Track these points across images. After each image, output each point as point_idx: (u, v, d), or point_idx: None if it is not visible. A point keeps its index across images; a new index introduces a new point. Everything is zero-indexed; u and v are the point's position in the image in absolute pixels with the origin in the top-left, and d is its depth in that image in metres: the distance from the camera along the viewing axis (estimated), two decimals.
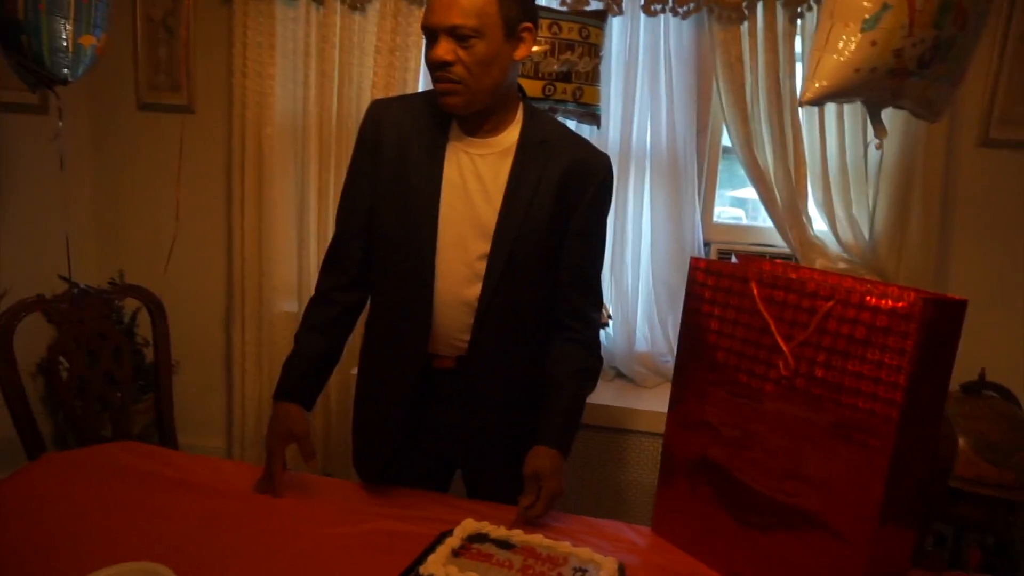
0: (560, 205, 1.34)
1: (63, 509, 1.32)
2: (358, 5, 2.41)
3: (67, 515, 1.30)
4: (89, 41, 2.05)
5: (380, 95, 2.38)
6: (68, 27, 2.03)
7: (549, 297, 1.41)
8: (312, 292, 1.50)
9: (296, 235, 2.62)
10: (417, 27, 2.35)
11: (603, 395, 2.28)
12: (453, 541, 1.19)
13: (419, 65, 2.41)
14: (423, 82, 2.43)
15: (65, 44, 2.01)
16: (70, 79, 2.03)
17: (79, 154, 2.57)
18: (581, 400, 1.42)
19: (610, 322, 2.39)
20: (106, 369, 1.87)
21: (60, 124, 2.14)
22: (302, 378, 1.44)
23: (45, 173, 2.42)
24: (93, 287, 1.88)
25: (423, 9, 2.30)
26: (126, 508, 1.33)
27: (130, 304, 2.09)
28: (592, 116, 2.31)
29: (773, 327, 1.15)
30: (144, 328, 2.39)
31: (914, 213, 2.21)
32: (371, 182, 1.39)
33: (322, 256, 1.51)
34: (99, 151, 2.68)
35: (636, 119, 2.36)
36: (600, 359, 1.49)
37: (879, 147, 2.06)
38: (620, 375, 2.51)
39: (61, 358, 1.79)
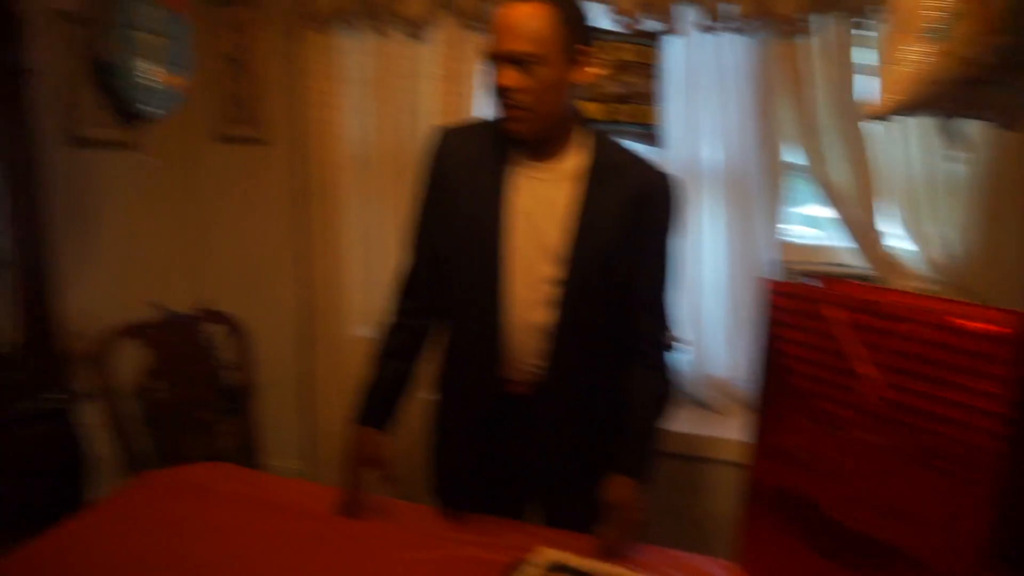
0: (630, 228, 1.35)
1: (157, 527, 1.38)
2: (418, 34, 2.47)
3: (161, 533, 1.36)
4: (173, 79, 2.17)
5: (441, 122, 2.41)
6: (154, 67, 2.15)
7: (621, 321, 1.41)
8: (383, 318, 1.53)
9: (365, 261, 2.68)
10: (474, 54, 2.39)
11: (678, 421, 2.22)
12: (535, 571, 1.19)
13: (478, 92, 2.44)
14: (483, 108, 2.46)
15: (151, 83, 2.14)
16: (157, 115, 2.15)
17: (164, 186, 2.70)
18: (655, 426, 1.41)
19: (680, 346, 2.35)
20: (193, 391, 1.96)
21: (148, 158, 2.26)
22: (379, 403, 1.47)
23: (133, 204, 2.55)
24: (181, 312, 1.97)
25: (481, 36, 2.38)
26: (215, 527, 1.39)
27: (212, 328, 2.18)
28: (652, 136, 2.31)
29: (855, 352, 1.12)
30: (224, 352, 2.48)
31: (1006, 227, 2.09)
32: (436, 208, 1.43)
33: (391, 281, 1.54)
34: (182, 182, 2.81)
35: (700, 138, 2.34)
36: (674, 383, 1.48)
37: (961, 160, 1.98)
38: (694, 401, 2.46)
39: (153, 380, 1.88)
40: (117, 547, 1.32)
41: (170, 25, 2.19)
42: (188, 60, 2.23)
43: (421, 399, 1.53)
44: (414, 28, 2.45)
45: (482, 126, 1.44)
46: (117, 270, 2.47)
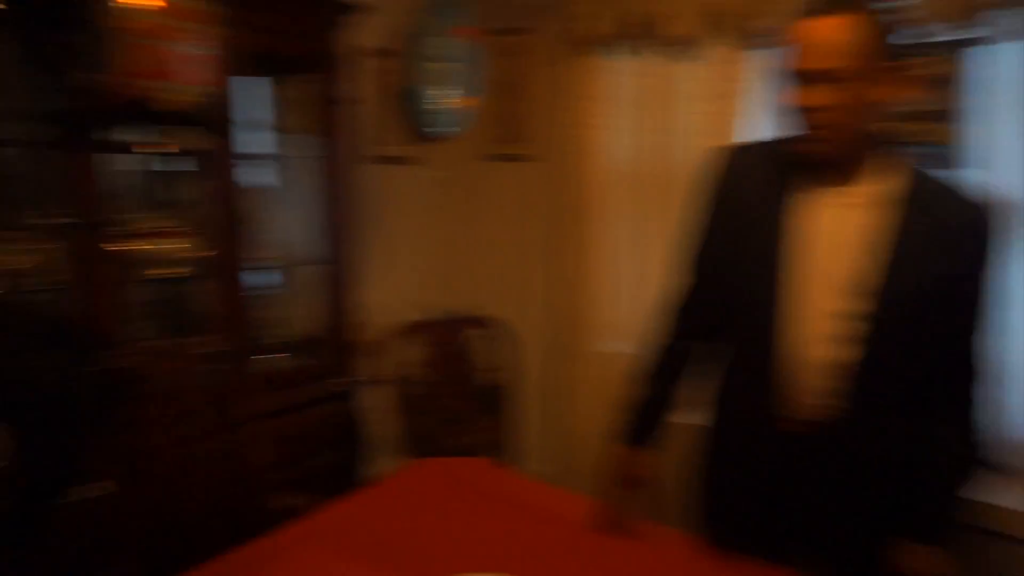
0: (945, 263, 1.21)
1: (423, 513, 1.52)
2: (685, 54, 2.45)
3: (426, 519, 1.49)
4: (465, 102, 2.40)
5: (708, 142, 2.37)
6: (447, 92, 2.39)
7: (926, 366, 1.26)
8: (642, 336, 1.52)
9: (620, 278, 2.71)
10: (744, 74, 2.32)
11: (988, 491, 1.87)
12: None
13: (744, 111, 2.36)
14: (747, 127, 2.36)
15: (443, 106, 2.37)
16: (449, 134, 2.39)
17: (444, 198, 2.97)
18: (958, 490, 1.24)
19: (994, 401, 2.00)
20: (456, 388, 2.13)
21: (435, 172, 2.51)
22: (642, 422, 1.46)
23: (418, 215, 2.84)
24: (451, 314, 2.16)
25: (755, 54, 2.30)
26: (475, 520, 1.49)
27: (476, 332, 2.34)
28: (954, 160, 2.05)
29: None
30: (485, 354, 2.65)
31: None
32: (718, 229, 1.39)
33: (645, 300, 1.53)
34: (459, 196, 3.05)
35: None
36: (984, 445, 1.29)
37: None
38: (1011, 469, 2.08)
39: (423, 374, 2.08)
40: (387, 526, 1.46)
41: (465, 53, 2.42)
42: (480, 84, 2.45)
43: (689, 423, 1.50)
44: (679, 48, 2.44)
45: (769, 145, 1.37)
46: (400, 272, 2.76)
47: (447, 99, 2.41)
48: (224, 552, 1.36)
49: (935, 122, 2.06)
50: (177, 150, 1.82)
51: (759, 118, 2.33)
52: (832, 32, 1.17)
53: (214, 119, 1.81)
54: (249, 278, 2.01)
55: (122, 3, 1.48)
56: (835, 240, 1.25)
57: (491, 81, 2.81)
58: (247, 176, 1.99)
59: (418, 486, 1.63)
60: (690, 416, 1.50)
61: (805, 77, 1.20)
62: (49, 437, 1.02)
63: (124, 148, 1.74)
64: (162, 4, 1.52)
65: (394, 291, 2.65)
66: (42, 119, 1.62)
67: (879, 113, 1.25)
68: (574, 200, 2.74)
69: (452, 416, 2.23)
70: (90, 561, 1.57)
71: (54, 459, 1.05)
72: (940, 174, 1.31)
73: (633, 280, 2.65)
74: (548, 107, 2.83)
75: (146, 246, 1.86)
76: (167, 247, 1.89)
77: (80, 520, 1.52)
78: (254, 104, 2.11)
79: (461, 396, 2.25)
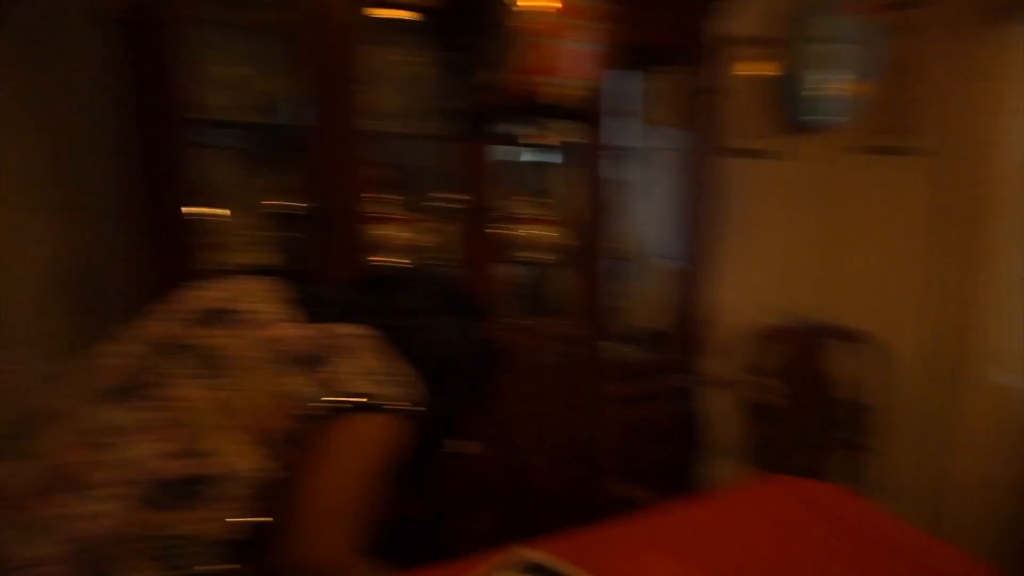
0: None
1: (775, 533, 1.39)
2: None
3: (778, 541, 1.37)
4: (853, 88, 2.16)
5: None
6: (831, 77, 2.17)
7: None
8: None
9: None
10: None
11: None
12: None
13: None
14: None
15: (824, 93, 2.16)
16: (831, 124, 2.18)
17: (809, 195, 2.73)
18: None
19: None
20: (808, 402, 1.94)
21: (802, 167, 2.31)
22: None
23: (776, 212, 2.66)
24: (811, 322, 1.97)
25: None
26: (834, 554, 1.32)
27: (836, 343, 2.12)
28: None
29: None
30: (844, 370, 2.38)
31: None
32: None
33: None
34: (826, 192, 2.79)
35: None
36: None
37: None
38: None
39: (773, 382, 1.93)
40: (734, 541, 1.37)
41: (857, 32, 2.18)
42: (874, 67, 2.19)
43: None
44: None
45: None
46: (757, 272, 2.62)
47: (832, 85, 2.18)
48: (566, 527, 1.41)
49: None
50: (557, 142, 1.94)
51: None
52: None
53: (590, 112, 1.89)
54: (604, 268, 2.07)
55: (523, 6, 1.60)
56: None
57: (885, 63, 2.49)
58: (611, 168, 2.05)
59: (769, 504, 1.51)
60: None
61: None
62: (444, 391, 1.13)
63: (512, 140, 1.91)
64: (558, 4, 1.61)
65: (749, 292, 2.52)
66: (446, 115, 1.85)
67: None
68: (973, 201, 2.31)
69: (803, 432, 2.04)
70: (455, 508, 1.77)
71: (447, 411, 1.17)
72: None
73: None
74: (947, 92, 2.41)
75: (519, 231, 2.03)
76: (537, 233, 2.04)
77: (451, 471, 1.71)
78: (623, 97, 2.16)
79: (815, 412, 2.04)
